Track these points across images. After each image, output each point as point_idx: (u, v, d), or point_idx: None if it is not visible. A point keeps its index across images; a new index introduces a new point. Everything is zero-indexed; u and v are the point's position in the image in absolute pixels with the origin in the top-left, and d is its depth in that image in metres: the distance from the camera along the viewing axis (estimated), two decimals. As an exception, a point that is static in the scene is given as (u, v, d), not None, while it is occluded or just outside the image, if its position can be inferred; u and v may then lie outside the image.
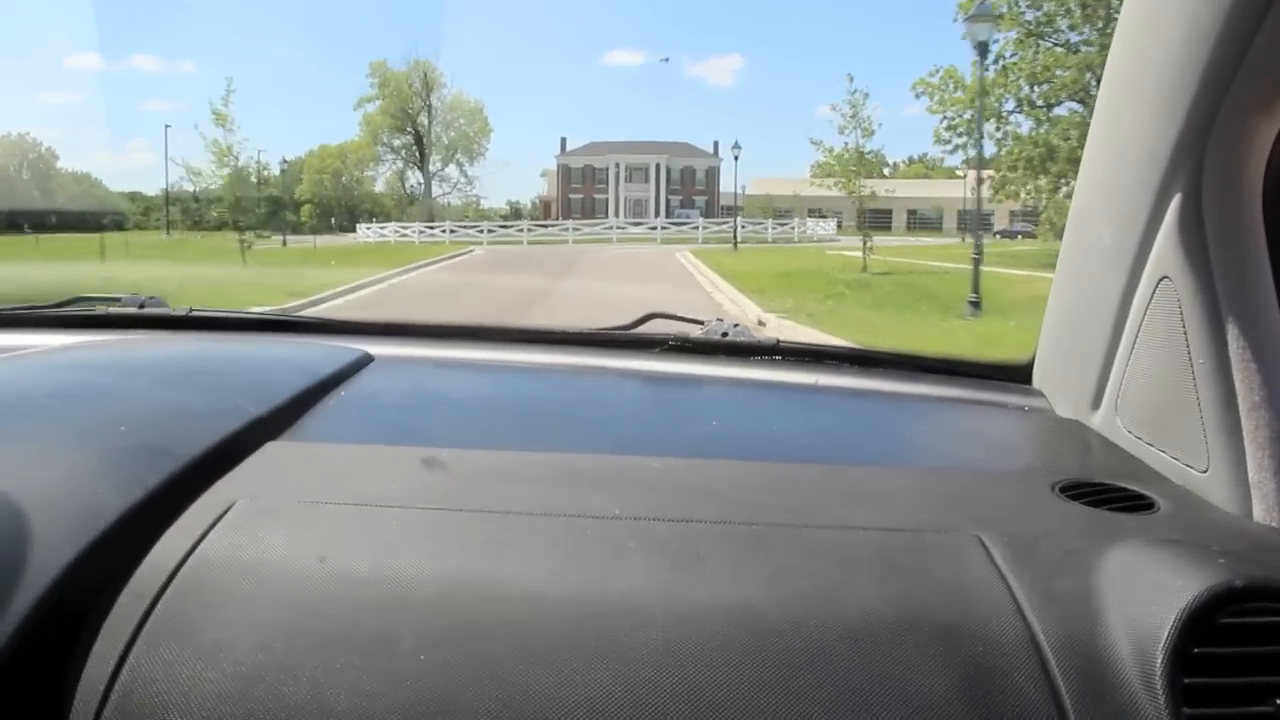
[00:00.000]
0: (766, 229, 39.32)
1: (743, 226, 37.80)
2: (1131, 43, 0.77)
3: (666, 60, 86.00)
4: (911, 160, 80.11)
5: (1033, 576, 0.59)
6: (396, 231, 39.13)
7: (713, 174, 67.34)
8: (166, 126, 59.13)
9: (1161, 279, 0.76)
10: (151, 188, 51.75)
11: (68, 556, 0.54)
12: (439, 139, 63.64)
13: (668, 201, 60.56)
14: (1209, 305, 0.71)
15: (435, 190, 64.10)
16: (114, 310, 1.28)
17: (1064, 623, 0.56)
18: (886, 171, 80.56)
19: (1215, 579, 0.55)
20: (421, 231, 38.58)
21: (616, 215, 52.67)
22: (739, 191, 34.87)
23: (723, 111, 72.71)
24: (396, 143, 62.72)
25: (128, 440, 0.68)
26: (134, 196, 53.28)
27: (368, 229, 40.99)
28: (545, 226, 42.09)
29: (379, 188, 62.10)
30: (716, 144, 69.41)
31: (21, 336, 1.14)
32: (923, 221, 62.75)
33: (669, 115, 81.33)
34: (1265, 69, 0.63)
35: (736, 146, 33.32)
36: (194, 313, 1.26)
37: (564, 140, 68.39)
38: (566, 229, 38.82)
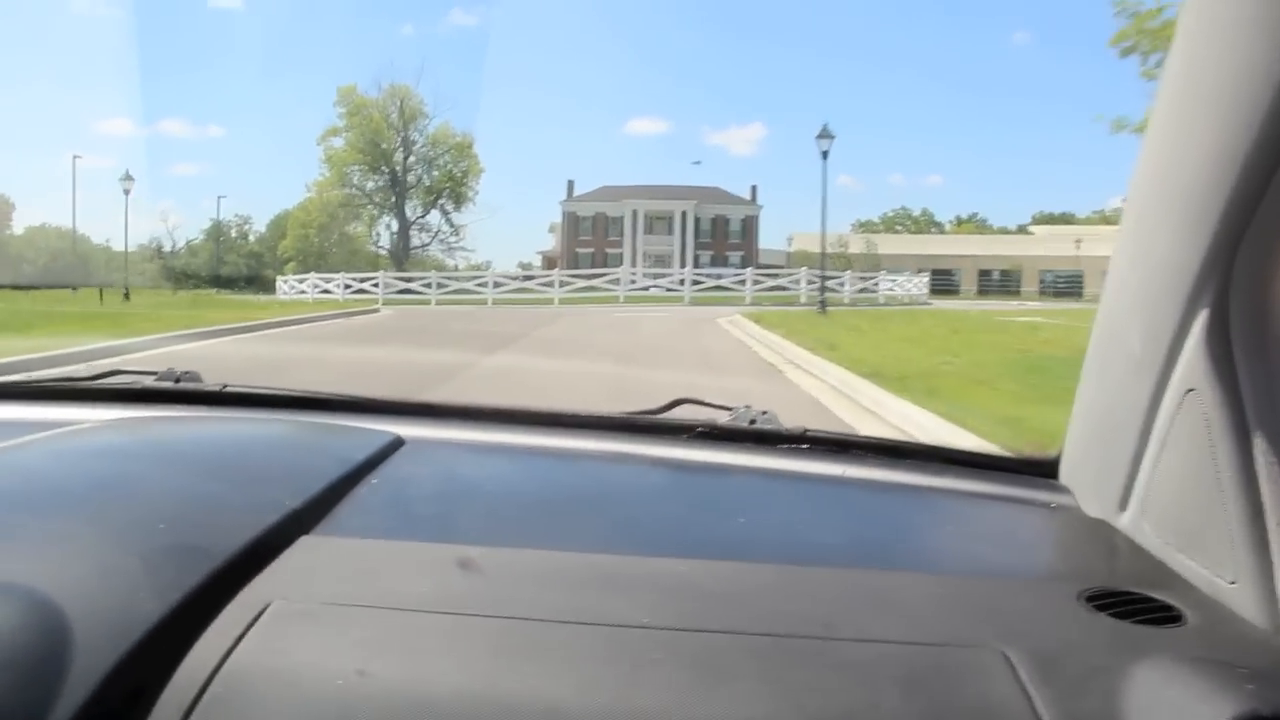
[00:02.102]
0: (843, 284, 27.56)
1: (810, 282, 26.17)
2: (1160, 155, 0.78)
3: (699, 163, 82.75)
4: (960, 220, 71.51)
5: (1057, 696, 0.58)
6: (316, 285, 27.91)
7: (750, 224, 55.50)
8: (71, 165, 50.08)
9: (1189, 391, 0.76)
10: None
11: (108, 664, 0.54)
12: (420, 180, 53.17)
13: (695, 257, 48.82)
14: (1236, 419, 0.72)
15: (414, 241, 53.59)
16: (150, 385, 1.28)
17: None
18: (933, 231, 73.26)
19: (1241, 707, 0.54)
20: (348, 285, 27.27)
21: (634, 263, 41.24)
22: (825, 229, 22.30)
23: (744, 179, 64.53)
24: (370, 185, 52.33)
25: (165, 539, 0.69)
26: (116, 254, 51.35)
27: (285, 282, 29.86)
28: (522, 279, 30.21)
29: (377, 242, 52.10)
30: (754, 189, 58.03)
31: (59, 410, 1.16)
32: (998, 283, 51.87)
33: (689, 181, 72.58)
34: None
35: (826, 134, 19.31)
36: (228, 389, 1.28)
37: (571, 184, 56.76)
38: (551, 283, 27.04)
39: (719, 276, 28.94)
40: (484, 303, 25.32)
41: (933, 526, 1.01)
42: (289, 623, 0.61)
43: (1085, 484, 0.98)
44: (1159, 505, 0.82)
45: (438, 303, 25.43)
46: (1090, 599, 0.72)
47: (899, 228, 70.03)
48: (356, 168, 51.34)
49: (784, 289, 26.88)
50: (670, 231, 53.16)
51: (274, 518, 0.75)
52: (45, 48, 61.91)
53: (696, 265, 34.47)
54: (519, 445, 1.16)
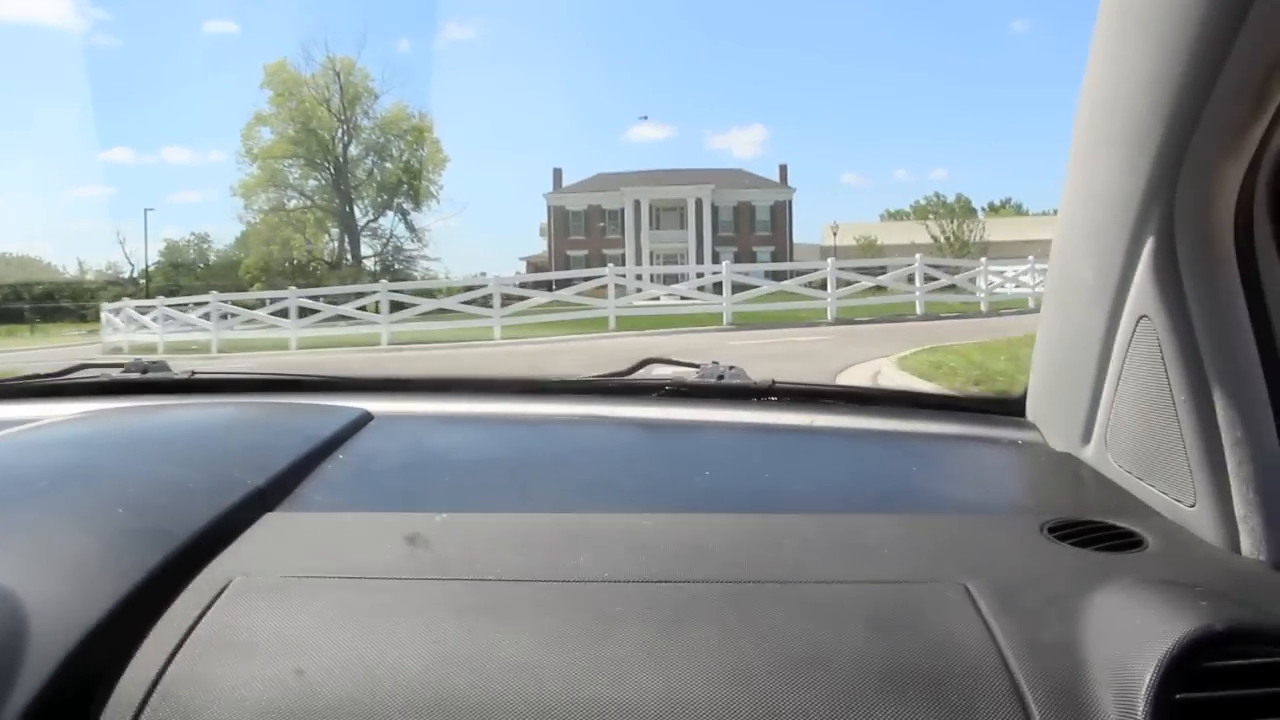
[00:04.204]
0: (975, 280, 17.06)
1: (926, 278, 15.68)
2: (1099, 86, 0.79)
3: (645, 118, 71.01)
4: (994, 206, 61.39)
5: (1018, 626, 0.59)
6: (128, 316, 17.91)
7: (782, 211, 43.89)
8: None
9: (1141, 318, 0.78)
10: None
11: (66, 648, 0.54)
12: (370, 174, 42.57)
13: (715, 254, 38.55)
14: (1187, 343, 0.73)
15: (365, 250, 43.15)
16: (117, 377, 1.28)
17: (1048, 674, 0.55)
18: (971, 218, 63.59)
19: (1196, 623, 0.55)
20: (168, 318, 17.21)
21: (638, 264, 29.34)
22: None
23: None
24: (311, 184, 42.14)
25: (126, 523, 0.69)
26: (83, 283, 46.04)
27: (103, 311, 19.97)
28: (413, 294, 17.17)
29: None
30: (784, 168, 46.61)
31: (27, 408, 1.15)
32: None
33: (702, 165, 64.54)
34: (1227, 113, 0.66)
35: None
36: (196, 376, 1.27)
37: (559, 172, 46.05)
38: (490, 299, 15.69)
39: (776, 275, 18.23)
40: (376, 342, 14.60)
41: (900, 469, 1.00)
42: (251, 598, 0.62)
43: (1050, 419, 0.98)
44: (1120, 434, 0.83)
45: (299, 345, 14.87)
46: (1053, 530, 0.73)
47: (932, 216, 60.14)
48: (290, 162, 41.25)
49: (880, 289, 16.40)
50: (683, 225, 42.60)
51: (236, 497, 0.76)
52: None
53: (716, 263, 23.09)
54: (489, 414, 1.17)
